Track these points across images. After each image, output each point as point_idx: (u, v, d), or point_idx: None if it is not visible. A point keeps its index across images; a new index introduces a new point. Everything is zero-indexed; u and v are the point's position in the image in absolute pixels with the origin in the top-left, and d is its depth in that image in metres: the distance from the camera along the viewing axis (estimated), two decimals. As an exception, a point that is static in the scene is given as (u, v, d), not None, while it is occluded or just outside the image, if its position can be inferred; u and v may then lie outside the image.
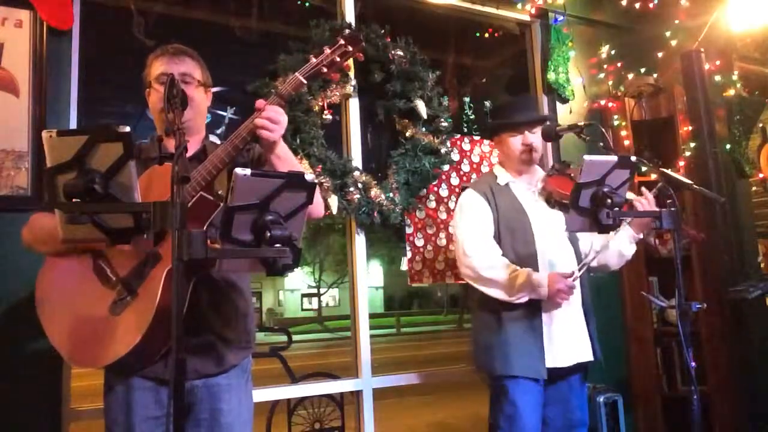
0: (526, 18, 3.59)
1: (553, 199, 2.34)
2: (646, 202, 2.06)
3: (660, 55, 3.67)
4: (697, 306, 1.79)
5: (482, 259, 2.18)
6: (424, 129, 3.02)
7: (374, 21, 3.03)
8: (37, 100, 2.28)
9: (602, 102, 3.61)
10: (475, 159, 3.27)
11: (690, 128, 3.37)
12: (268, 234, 1.21)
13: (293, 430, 3.07)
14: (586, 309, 2.27)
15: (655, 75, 3.62)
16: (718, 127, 3.58)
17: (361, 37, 1.71)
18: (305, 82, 1.62)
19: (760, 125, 3.95)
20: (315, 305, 30.56)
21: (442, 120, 3.06)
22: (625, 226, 2.22)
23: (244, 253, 1.26)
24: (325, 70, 1.64)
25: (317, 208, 1.73)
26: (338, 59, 1.65)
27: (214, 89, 1.88)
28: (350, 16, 3.03)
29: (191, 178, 1.50)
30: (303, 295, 31.13)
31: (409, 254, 3.07)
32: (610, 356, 3.32)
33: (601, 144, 2.13)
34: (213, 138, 1.86)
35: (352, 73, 2.94)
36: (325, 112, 2.84)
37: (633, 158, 1.78)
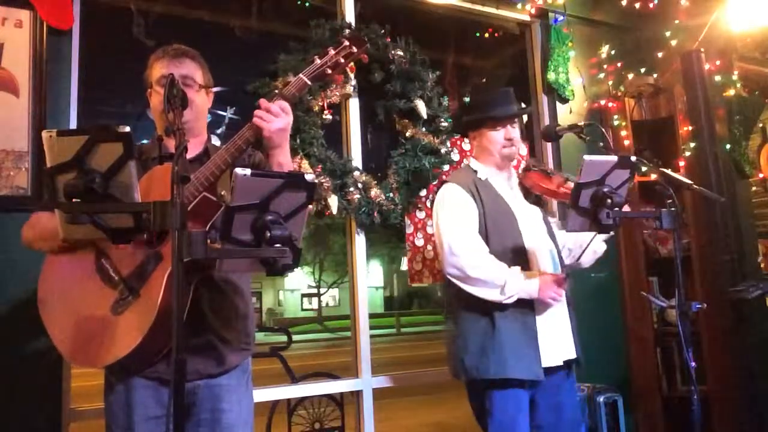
0: (526, 18, 3.59)
1: (532, 194, 2.34)
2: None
3: (660, 55, 3.67)
4: (697, 306, 1.79)
5: (471, 257, 2.07)
6: (424, 129, 3.02)
7: (374, 21, 3.03)
8: (37, 100, 2.28)
9: (602, 102, 3.61)
10: (475, 159, 3.27)
11: (690, 128, 3.37)
12: (268, 234, 1.21)
13: (293, 430, 3.07)
14: (569, 305, 2.22)
15: (655, 75, 3.62)
16: (718, 127, 3.57)
17: (365, 38, 1.70)
18: (310, 83, 1.62)
19: (760, 125, 3.96)
20: (315, 305, 30.55)
21: (442, 120, 3.06)
22: None
23: (244, 253, 1.26)
24: (329, 71, 1.63)
25: None
26: (343, 60, 1.64)
27: (214, 89, 1.87)
28: (350, 16, 3.03)
29: (194, 179, 1.50)
30: (303, 295, 31.12)
31: (409, 254, 3.07)
32: (610, 356, 3.36)
33: (601, 144, 2.14)
34: (214, 140, 1.86)
35: (352, 73, 2.94)
36: (325, 112, 2.84)
37: (633, 158, 1.78)
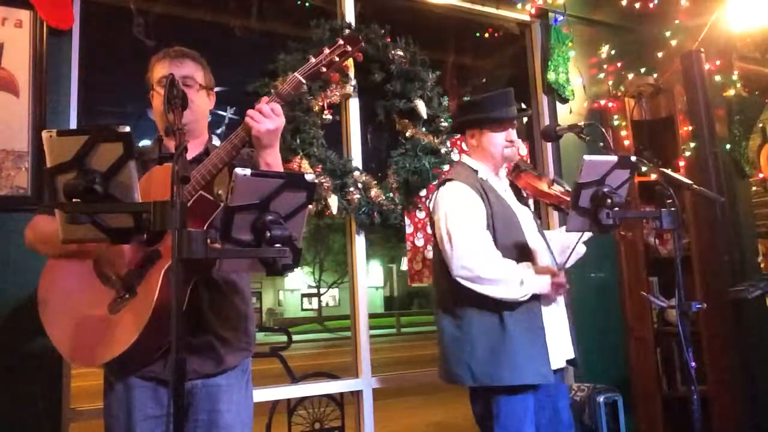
0: (526, 18, 3.59)
1: (525, 196, 2.34)
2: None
3: (660, 55, 3.67)
4: (697, 306, 1.78)
5: (484, 257, 2.01)
6: (424, 129, 3.03)
7: (374, 21, 3.03)
8: (37, 100, 2.28)
9: (602, 102, 3.61)
10: (475, 159, 3.27)
11: (690, 128, 3.37)
12: (268, 234, 1.21)
13: (293, 430, 3.07)
14: (566, 305, 2.21)
15: (655, 75, 3.62)
16: (718, 127, 3.58)
17: (360, 37, 1.71)
18: (304, 81, 1.62)
19: (760, 125, 3.95)
20: (315, 305, 30.55)
21: (442, 120, 3.06)
22: None
23: (244, 253, 1.26)
24: (324, 69, 1.63)
25: None
26: (337, 59, 1.64)
27: (215, 89, 1.87)
28: (350, 16, 3.03)
29: (191, 177, 1.50)
30: (303, 295, 31.11)
31: (409, 254, 3.07)
32: (610, 356, 3.36)
33: (601, 144, 2.14)
34: (215, 140, 1.86)
35: (352, 73, 2.94)
36: (325, 112, 2.84)
37: (633, 158, 1.78)
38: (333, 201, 2.72)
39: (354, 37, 1.67)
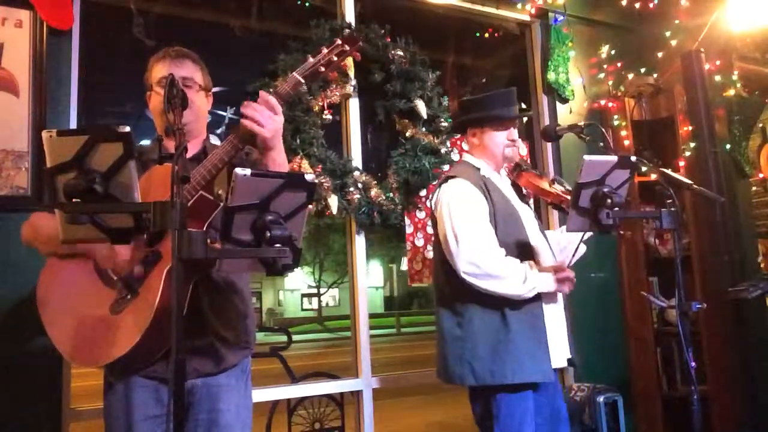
0: (526, 18, 3.59)
1: (527, 195, 2.34)
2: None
3: (660, 55, 3.67)
4: (697, 306, 1.78)
5: (489, 253, 2.00)
6: (424, 129, 3.03)
7: (374, 21, 3.03)
8: (37, 100, 2.28)
9: (602, 102, 3.61)
10: (475, 159, 3.27)
11: (690, 128, 3.37)
12: (268, 234, 1.21)
13: (293, 430, 3.07)
14: (566, 307, 2.21)
15: (655, 75, 3.63)
16: (718, 127, 3.58)
17: (358, 36, 1.72)
18: (303, 81, 1.62)
19: (760, 125, 3.96)
20: (315, 305, 30.55)
21: (442, 120, 3.06)
22: None
23: (244, 253, 1.26)
24: (322, 69, 1.64)
25: None
26: (335, 58, 1.65)
27: (214, 89, 1.88)
28: (350, 16, 3.03)
29: (191, 177, 1.50)
30: (303, 295, 31.11)
31: (409, 254, 3.07)
32: (610, 356, 3.36)
33: (601, 144, 2.14)
34: (213, 139, 1.86)
35: (352, 73, 2.94)
36: (325, 112, 2.84)
37: (633, 158, 1.78)
38: (333, 201, 2.72)
39: (352, 36, 1.69)
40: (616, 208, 1.69)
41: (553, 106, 3.52)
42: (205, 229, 1.50)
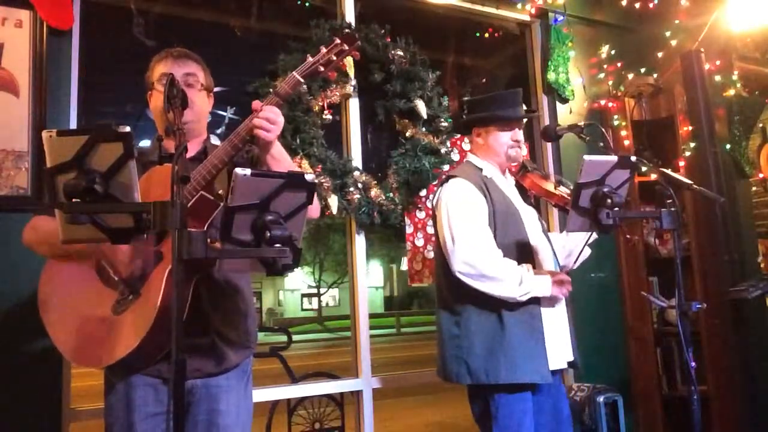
0: (526, 18, 3.59)
1: (531, 195, 2.34)
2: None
3: (660, 55, 3.67)
4: (697, 306, 1.78)
5: (485, 254, 2.00)
6: (424, 129, 3.03)
7: (374, 21, 3.03)
8: (37, 100, 2.28)
9: (602, 102, 3.61)
10: (475, 159, 3.27)
11: (690, 128, 3.37)
12: (268, 234, 1.21)
13: (293, 430, 3.07)
14: (567, 307, 2.20)
15: (655, 75, 3.62)
16: (718, 127, 3.58)
17: (356, 35, 1.73)
18: (302, 81, 1.63)
19: (760, 125, 3.96)
20: (315, 305, 30.55)
21: (442, 120, 3.06)
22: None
23: (244, 253, 1.26)
24: (322, 68, 1.65)
25: (314, 209, 1.72)
26: (334, 58, 1.66)
27: (215, 90, 1.88)
28: (350, 16, 3.03)
29: (191, 177, 1.50)
30: (303, 295, 31.11)
31: (409, 254, 3.07)
32: (610, 356, 3.36)
33: (601, 144, 2.14)
34: (213, 139, 1.87)
35: (352, 73, 2.94)
36: (325, 112, 2.84)
37: (633, 158, 1.78)
38: (333, 201, 2.72)
39: (351, 36, 1.70)
40: (616, 208, 1.70)
41: (553, 106, 3.52)
42: (206, 229, 1.50)
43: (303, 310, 30.65)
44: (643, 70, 3.66)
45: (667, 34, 3.65)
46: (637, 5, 3.63)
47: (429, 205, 3.09)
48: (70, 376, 2.28)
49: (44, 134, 1.17)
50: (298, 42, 2.82)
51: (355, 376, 2.90)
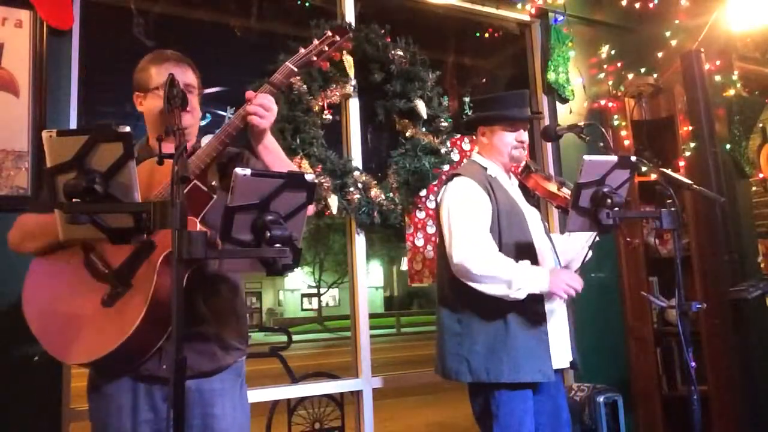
0: (526, 18, 3.59)
1: (534, 196, 2.34)
2: None
3: (660, 55, 3.67)
4: (697, 306, 1.78)
5: (479, 254, 2.00)
6: (424, 129, 3.03)
7: (374, 21, 3.03)
8: (37, 100, 2.28)
9: (602, 102, 3.61)
10: (475, 159, 3.27)
11: (690, 128, 3.37)
12: (268, 234, 1.21)
13: (293, 430, 3.07)
14: (568, 307, 2.20)
15: (655, 75, 3.62)
16: (718, 127, 3.58)
17: (347, 27, 1.77)
18: (296, 69, 1.66)
19: (760, 125, 3.96)
20: (315, 305, 30.55)
21: (442, 120, 3.06)
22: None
23: (244, 253, 1.26)
24: (314, 59, 1.70)
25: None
26: (326, 48, 1.70)
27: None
28: (350, 16, 3.03)
29: None
30: (303, 295, 31.11)
31: (409, 254, 3.07)
32: (610, 356, 3.36)
33: (601, 144, 2.14)
34: (205, 139, 1.86)
35: (352, 73, 2.94)
36: (325, 112, 2.84)
37: (633, 158, 1.78)
38: (333, 201, 2.72)
39: (342, 28, 1.76)
40: (616, 208, 1.70)
41: (553, 106, 3.52)
42: (198, 221, 1.50)
43: (303, 310, 30.65)
44: (643, 70, 3.66)
45: (667, 34, 3.65)
46: (637, 5, 3.63)
47: (429, 205, 3.10)
48: (70, 376, 2.27)
49: (44, 134, 1.17)
50: (298, 42, 2.80)
51: (355, 376, 2.90)
